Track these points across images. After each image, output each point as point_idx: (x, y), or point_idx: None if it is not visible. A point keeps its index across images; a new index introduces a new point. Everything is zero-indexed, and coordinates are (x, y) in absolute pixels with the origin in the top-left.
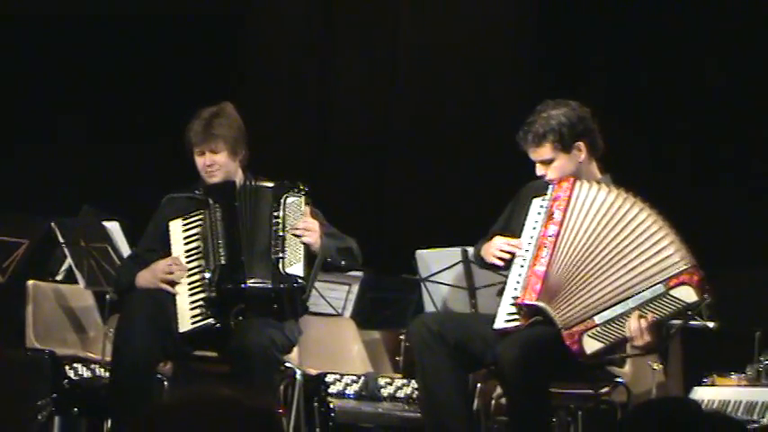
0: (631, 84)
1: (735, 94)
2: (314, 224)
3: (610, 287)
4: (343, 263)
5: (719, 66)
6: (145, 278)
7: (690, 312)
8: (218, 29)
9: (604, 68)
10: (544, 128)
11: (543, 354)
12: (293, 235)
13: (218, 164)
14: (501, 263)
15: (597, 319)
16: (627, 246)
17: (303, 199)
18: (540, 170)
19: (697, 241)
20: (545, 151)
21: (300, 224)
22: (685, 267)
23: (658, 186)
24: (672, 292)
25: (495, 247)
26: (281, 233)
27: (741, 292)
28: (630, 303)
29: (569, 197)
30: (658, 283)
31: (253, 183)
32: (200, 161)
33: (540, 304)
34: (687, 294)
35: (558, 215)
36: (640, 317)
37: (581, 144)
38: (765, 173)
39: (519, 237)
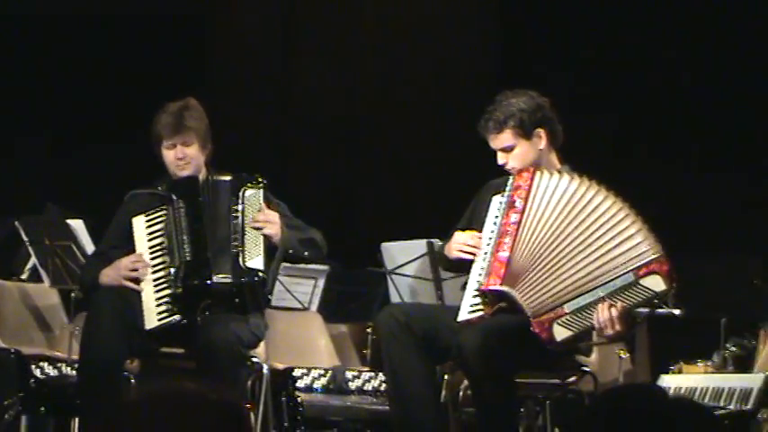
0: (596, 72)
1: (701, 85)
2: (273, 216)
3: (578, 275)
4: (306, 253)
5: (686, 58)
6: (109, 275)
7: (657, 300)
8: (180, 24)
9: (568, 57)
10: (505, 114)
11: (505, 342)
12: (253, 228)
13: (189, 156)
14: (467, 256)
15: (567, 308)
16: (593, 233)
17: (262, 191)
18: (501, 159)
19: (662, 229)
20: (506, 138)
21: (260, 216)
22: (655, 257)
23: (623, 174)
24: (642, 282)
25: (457, 242)
26: (240, 227)
27: (707, 279)
28: (600, 292)
29: (530, 186)
30: (628, 272)
31: (213, 177)
32: (170, 155)
33: (505, 289)
34: (656, 283)
35: (519, 203)
36: (610, 306)
37: (541, 131)
38: (731, 162)
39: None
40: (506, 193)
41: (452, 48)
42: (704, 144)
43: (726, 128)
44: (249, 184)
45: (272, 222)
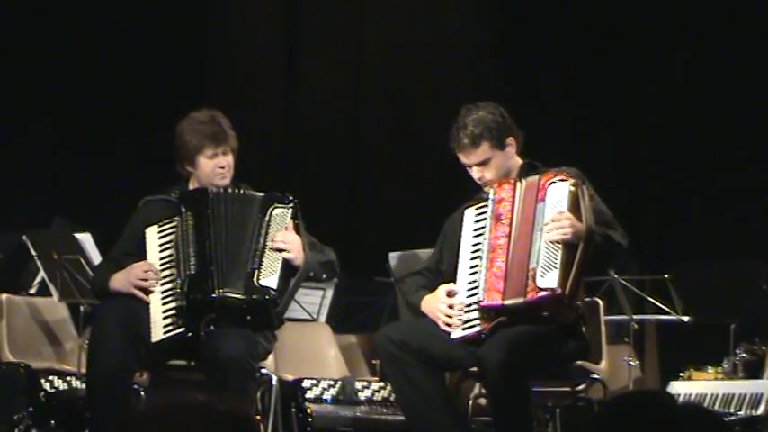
0: (590, 85)
1: (702, 91)
2: (293, 238)
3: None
4: (324, 276)
5: (684, 60)
6: (119, 281)
7: None
8: (183, 31)
9: (562, 66)
10: (479, 128)
11: (527, 354)
12: (273, 249)
13: (229, 166)
14: (449, 329)
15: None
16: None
17: (291, 212)
18: (477, 173)
19: (672, 233)
20: (483, 152)
21: (278, 237)
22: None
23: (625, 180)
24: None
25: (443, 311)
26: (260, 244)
27: (716, 285)
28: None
29: (513, 197)
30: None
31: (240, 190)
32: (209, 164)
33: (508, 302)
34: None
35: (506, 217)
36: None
37: (511, 139)
38: (737, 166)
39: (456, 258)
40: (489, 207)
41: (459, 51)
42: (711, 149)
43: (734, 127)
44: (279, 203)
45: (292, 243)
